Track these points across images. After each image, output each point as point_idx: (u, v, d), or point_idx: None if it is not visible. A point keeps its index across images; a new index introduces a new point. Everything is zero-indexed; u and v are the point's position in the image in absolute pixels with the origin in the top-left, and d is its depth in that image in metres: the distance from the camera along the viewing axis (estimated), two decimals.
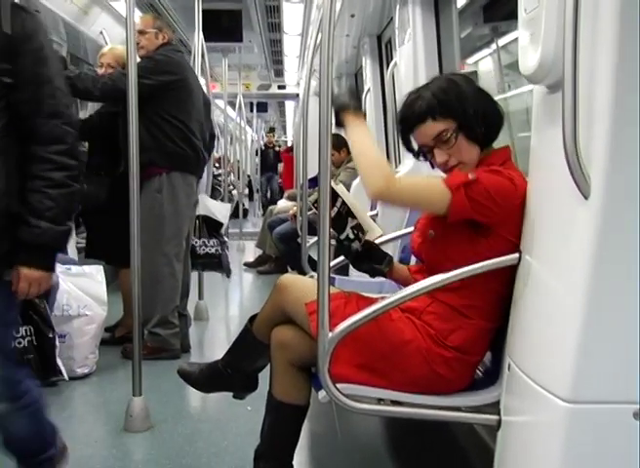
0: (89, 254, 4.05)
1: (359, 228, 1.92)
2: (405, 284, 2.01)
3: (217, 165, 9.30)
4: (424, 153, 1.89)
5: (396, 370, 1.81)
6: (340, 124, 1.87)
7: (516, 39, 1.60)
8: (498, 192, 1.69)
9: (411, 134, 1.88)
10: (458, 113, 1.79)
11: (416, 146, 1.92)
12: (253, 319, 2.16)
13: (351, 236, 1.91)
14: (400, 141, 1.96)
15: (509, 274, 1.72)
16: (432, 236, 1.86)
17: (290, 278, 2.05)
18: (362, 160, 1.79)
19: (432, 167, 1.91)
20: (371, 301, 1.82)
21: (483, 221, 1.73)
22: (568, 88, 1.26)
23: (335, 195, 1.88)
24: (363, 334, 1.77)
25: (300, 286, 1.99)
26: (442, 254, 1.83)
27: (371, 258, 2.00)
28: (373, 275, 2.05)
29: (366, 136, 1.83)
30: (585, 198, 1.31)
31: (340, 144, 5.79)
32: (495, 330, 1.83)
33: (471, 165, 1.83)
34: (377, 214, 4.43)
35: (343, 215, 1.91)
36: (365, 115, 1.92)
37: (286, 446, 2.05)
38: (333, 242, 1.88)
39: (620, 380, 1.35)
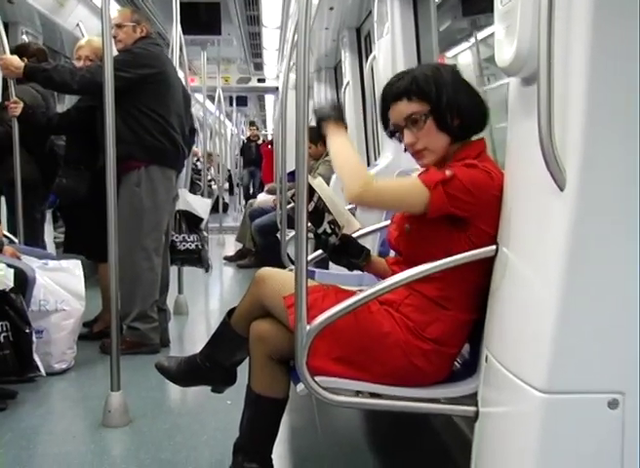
0: (67, 249, 4.02)
1: (336, 223, 1.92)
2: (383, 276, 2.02)
3: (198, 159, 9.26)
4: (396, 133, 1.93)
5: (374, 363, 1.81)
6: (321, 134, 1.91)
7: (494, 33, 1.60)
8: (475, 186, 1.71)
9: (388, 112, 1.92)
10: (432, 99, 1.81)
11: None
12: (231, 312, 2.15)
13: (328, 230, 1.91)
14: (380, 119, 1.99)
15: (486, 265, 1.73)
16: (408, 230, 1.88)
17: (268, 271, 2.04)
18: (341, 167, 1.81)
19: (405, 150, 1.94)
20: (349, 294, 1.82)
21: (462, 216, 1.74)
22: (543, 80, 1.27)
23: (312, 189, 1.88)
24: (341, 327, 1.78)
25: (279, 279, 1.98)
26: (419, 248, 1.84)
27: (348, 252, 2.01)
28: (350, 269, 2.07)
29: (345, 145, 1.85)
30: (561, 190, 1.32)
31: (317, 138, 5.78)
32: (472, 321, 1.85)
33: (437, 153, 1.86)
34: (355, 208, 4.43)
35: (320, 210, 1.91)
36: (346, 125, 1.93)
37: (265, 439, 2.06)
38: (311, 236, 1.88)
39: (595, 370, 1.36)
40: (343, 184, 1.76)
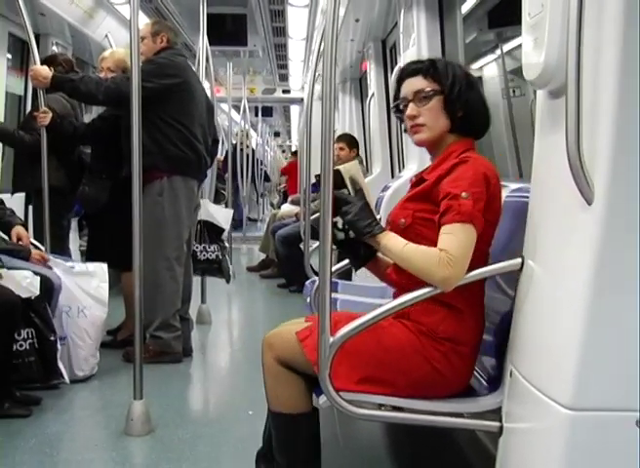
0: (90, 257, 4.06)
1: None
2: (380, 278, 2.08)
3: (219, 168, 9.32)
4: (400, 107, 1.97)
5: (398, 376, 1.80)
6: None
7: (520, 45, 1.60)
8: (481, 182, 1.76)
9: (401, 85, 1.98)
10: (445, 83, 1.89)
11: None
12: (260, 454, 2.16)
13: (339, 225, 1.89)
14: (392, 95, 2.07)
15: (482, 259, 1.81)
16: (403, 225, 1.88)
17: (271, 333, 2.02)
18: (410, 265, 1.78)
19: (401, 122, 2.00)
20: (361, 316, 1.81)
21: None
22: (571, 93, 1.26)
23: (341, 178, 1.87)
24: (358, 349, 1.79)
25: (284, 332, 1.99)
26: (413, 242, 1.82)
27: (350, 252, 1.99)
28: (351, 264, 2.09)
29: (398, 245, 1.81)
30: (588, 204, 1.31)
31: (353, 143, 5.84)
32: (479, 317, 1.87)
33: (433, 132, 1.91)
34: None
35: (342, 199, 1.88)
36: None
37: (299, 459, 2.00)
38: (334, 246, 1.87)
39: (622, 388, 1.34)
40: (427, 279, 1.73)
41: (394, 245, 1.80)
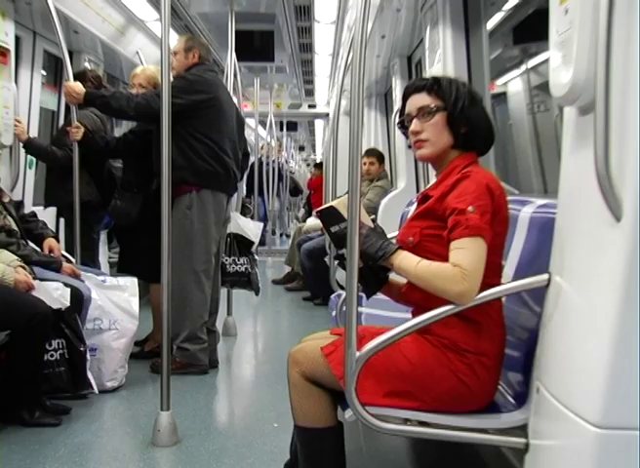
0: (121, 269, 4.10)
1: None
2: (396, 299, 2.07)
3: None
4: (404, 123, 2.01)
5: (425, 390, 1.80)
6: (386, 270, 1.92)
7: (545, 60, 1.59)
8: (485, 194, 1.77)
9: (406, 101, 2.02)
10: (449, 99, 1.91)
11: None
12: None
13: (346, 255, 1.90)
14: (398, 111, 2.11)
15: (496, 270, 1.84)
16: (411, 243, 1.88)
17: (295, 349, 2.01)
18: (425, 282, 1.78)
19: (406, 138, 2.04)
20: (386, 330, 1.80)
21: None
22: (600, 110, 1.25)
23: (340, 213, 1.87)
24: (384, 364, 1.79)
25: (309, 347, 1.99)
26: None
27: (360, 280, 1.97)
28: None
29: (412, 263, 1.81)
30: (617, 220, 1.29)
31: (382, 158, 5.86)
32: (496, 326, 1.86)
33: (436, 147, 1.93)
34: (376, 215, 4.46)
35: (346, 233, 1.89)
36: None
37: None
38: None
39: None
40: (445, 296, 1.73)
41: (408, 264, 1.81)
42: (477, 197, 1.76)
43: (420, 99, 1.94)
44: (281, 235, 12.90)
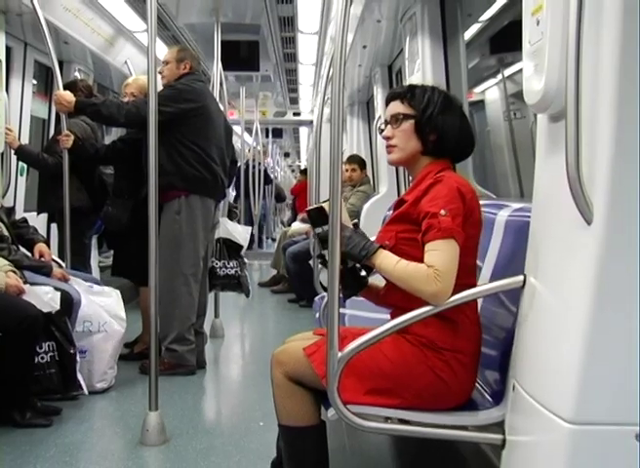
0: (114, 272, 4.08)
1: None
2: (375, 303, 2.09)
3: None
4: (381, 126, 2.03)
5: (404, 386, 1.80)
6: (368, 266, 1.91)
7: (521, 70, 1.60)
8: (457, 198, 1.79)
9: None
10: (418, 108, 1.93)
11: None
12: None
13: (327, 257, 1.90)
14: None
15: (471, 271, 1.86)
16: (387, 246, 1.88)
17: (278, 350, 2.01)
18: (402, 282, 1.80)
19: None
20: (367, 331, 1.80)
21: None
22: (571, 117, 1.26)
23: (326, 215, 1.87)
24: (365, 363, 1.79)
25: (292, 348, 1.98)
26: None
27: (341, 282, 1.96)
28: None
29: (391, 263, 1.82)
30: (588, 223, 1.30)
31: (363, 164, 5.88)
32: (471, 324, 1.86)
33: (405, 153, 1.96)
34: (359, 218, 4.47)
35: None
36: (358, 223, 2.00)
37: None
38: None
39: (622, 402, 1.32)
40: (416, 293, 1.75)
41: (388, 263, 1.83)
42: (449, 201, 1.78)
43: (395, 107, 1.97)
44: (267, 238, 12.85)
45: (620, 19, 1.26)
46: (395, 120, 1.95)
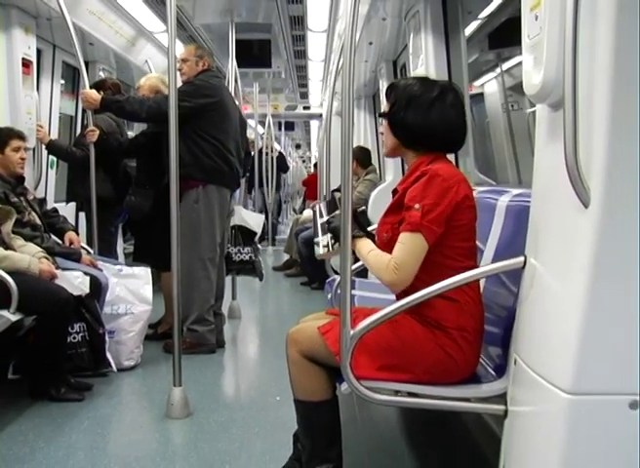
0: (136, 258, 4.10)
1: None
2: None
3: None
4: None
5: (415, 362, 1.80)
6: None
7: (518, 64, 1.59)
8: (438, 195, 1.77)
9: None
10: (390, 103, 1.94)
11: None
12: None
13: (322, 243, 2.02)
14: None
15: (470, 254, 1.86)
16: (386, 238, 1.89)
17: (293, 330, 2.01)
18: (370, 268, 1.89)
19: None
20: (377, 310, 1.81)
21: (453, 222, 1.81)
22: (568, 106, 1.25)
23: (337, 205, 1.95)
24: (377, 341, 1.79)
25: (307, 327, 1.98)
26: None
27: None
28: None
29: (364, 251, 1.89)
30: (585, 207, 1.29)
31: (364, 159, 5.85)
32: (474, 303, 1.85)
33: (388, 148, 1.99)
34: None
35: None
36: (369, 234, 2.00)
37: (322, 443, 1.99)
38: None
39: (617, 373, 1.32)
40: (380, 280, 1.83)
41: (362, 250, 1.89)
42: (425, 196, 1.77)
43: (383, 105, 2.00)
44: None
45: (614, 13, 1.24)
46: (383, 118, 1.98)
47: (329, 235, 1.99)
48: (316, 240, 2.04)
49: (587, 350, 1.31)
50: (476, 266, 1.89)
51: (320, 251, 2.03)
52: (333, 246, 1.99)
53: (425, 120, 1.88)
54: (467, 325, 1.83)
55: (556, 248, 1.46)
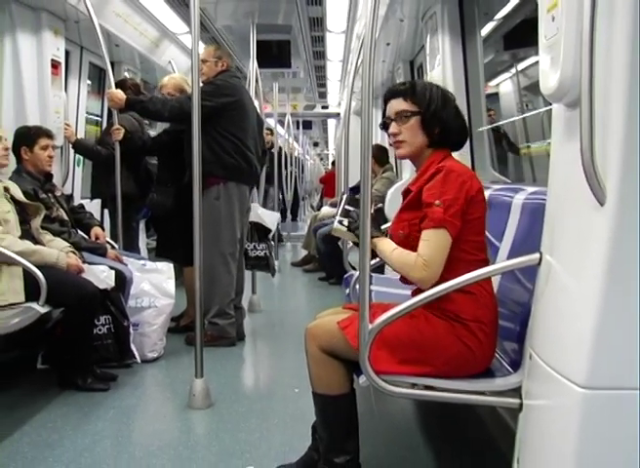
0: (159, 254, 4.13)
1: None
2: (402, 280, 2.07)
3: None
4: (386, 124, 1.99)
5: (435, 355, 1.80)
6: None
7: (533, 64, 1.58)
8: (456, 189, 1.78)
9: (387, 105, 2.00)
10: (422, 104, 1.91)
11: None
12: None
13: (345, 223, 2.04)
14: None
15: (481, 247, 1.87)
16: (402, 236, 1.90)
17: (312, 325, 2.01)
18: (396, 267, 1.88)
19: (388, 136, 2.02)
20: (394, 305, 1.81)
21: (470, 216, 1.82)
22: (585, 106, 1.24)
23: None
24: (397, 335, 1.79)
25: (326, 322, 1.98)
26: (414, 250, 1.84)
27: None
28: None
29: (388, 249, 1.90)
30: (601, 205, 1.28)
31: (381, 157, 5.84)
32: (488, 295, 1.86)
33: (412, 147, 1.95)
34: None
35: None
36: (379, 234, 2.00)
37: (339, 436, 1.99)
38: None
39: (630, 368, 1.31)
40: (407, 277, 1.84)
41: (385, 249, 1.89)
42: (444, 192, 1.78)
43: (398, 104, 1.94)
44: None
45: (632, 13, 1.23)
46: (401, 117, 1.93)
47: (347, 220, 2.03)
48: (337, 218, 2.06)
49: (602, 346, 1.31)
50: (487, 259, 1.89)
51: (337, 225, 2.05)
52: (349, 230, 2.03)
53: (457, 119, 1.95)
54: (484, 316, 1.83)
55: (571, 245, 1.45)
